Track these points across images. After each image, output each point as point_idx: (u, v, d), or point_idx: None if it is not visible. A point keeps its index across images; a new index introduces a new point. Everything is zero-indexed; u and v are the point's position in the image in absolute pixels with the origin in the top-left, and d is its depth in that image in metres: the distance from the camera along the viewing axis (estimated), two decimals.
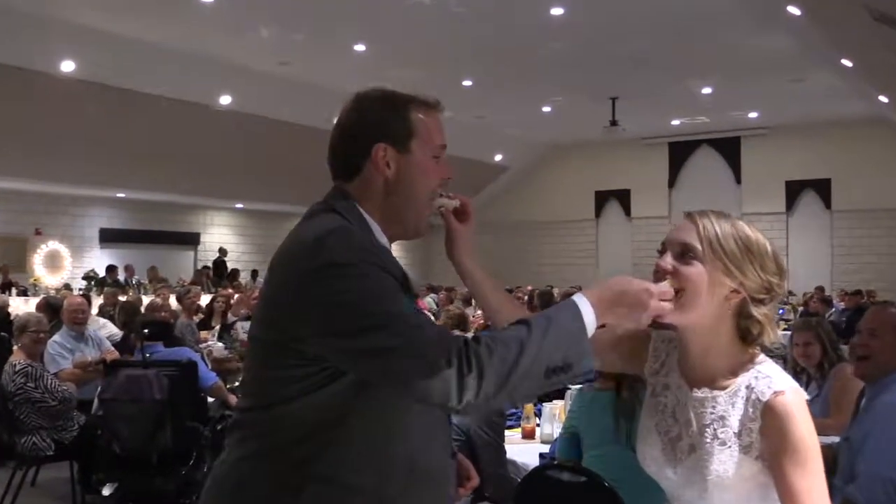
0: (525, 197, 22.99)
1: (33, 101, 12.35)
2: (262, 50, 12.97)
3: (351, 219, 1.69)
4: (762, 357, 1.72)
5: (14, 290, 13.75)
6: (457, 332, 7.48)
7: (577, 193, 22.18)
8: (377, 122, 1.74)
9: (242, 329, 8.14)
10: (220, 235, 19.97)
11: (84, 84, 12.52)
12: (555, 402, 4.66)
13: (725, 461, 1.67)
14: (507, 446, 4.08)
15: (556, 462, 3.50)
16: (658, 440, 1.77)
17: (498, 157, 21.55)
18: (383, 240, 1.74)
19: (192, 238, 19.28)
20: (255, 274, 19.11)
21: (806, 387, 4.27)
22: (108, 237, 17.51)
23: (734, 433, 1.67)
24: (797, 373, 4.41)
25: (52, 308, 7.65)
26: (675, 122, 19.21)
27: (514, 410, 4.88)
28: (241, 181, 16.82)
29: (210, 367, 6.56)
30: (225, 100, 14.43)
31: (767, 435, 1.65)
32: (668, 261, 1.68)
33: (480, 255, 1.93)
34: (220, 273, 17.65)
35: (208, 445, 5.30)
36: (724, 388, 1.70)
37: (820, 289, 15.16)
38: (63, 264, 16.76)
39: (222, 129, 14.80)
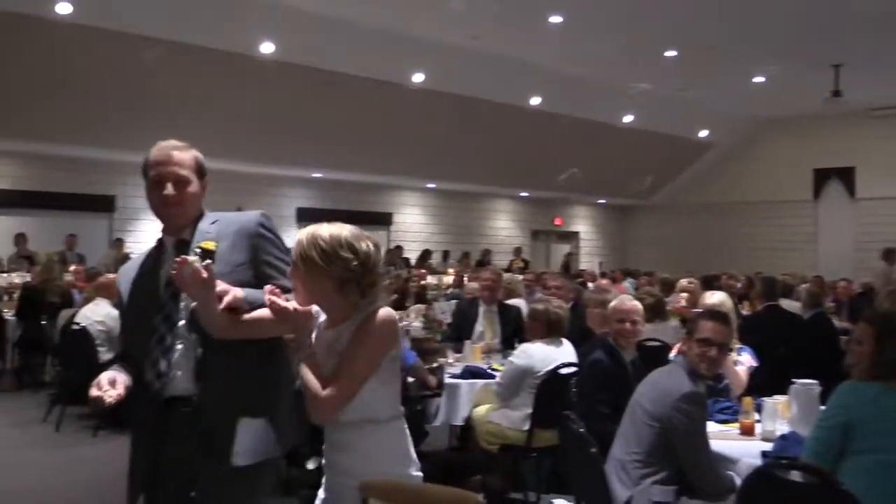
0: (732, 176, 22.20)
1: (233, 82, 13.22)
2: (452, 23, 13.20)
3: None
4: None
5: None
6: (648, 326, 7.19)
7: (792, 172, 21.12)
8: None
9: (440, 310, 8.40)
10: (412, 216, 20.63)
11: (283, 65, 13.25)
12: (776, 397, 4.52)
13: None
14: (722, 442, 4.04)
15: (784, 461, 3.41)
16: None
17: (703, 134, 20.90)
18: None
19: (384, 218, 20.01)
20: (446, 255, 19.60)
21: None
22: (305, 216, 18.45)
23: None
24: None
25: None
26: None
27: (729, 404, 4.78)
28: (434, 160, 17.27)
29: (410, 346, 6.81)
30: (418, 77, 14.84)
31: None
32: None
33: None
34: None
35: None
36: None
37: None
38: None
39: (414, 107, 15.26)
